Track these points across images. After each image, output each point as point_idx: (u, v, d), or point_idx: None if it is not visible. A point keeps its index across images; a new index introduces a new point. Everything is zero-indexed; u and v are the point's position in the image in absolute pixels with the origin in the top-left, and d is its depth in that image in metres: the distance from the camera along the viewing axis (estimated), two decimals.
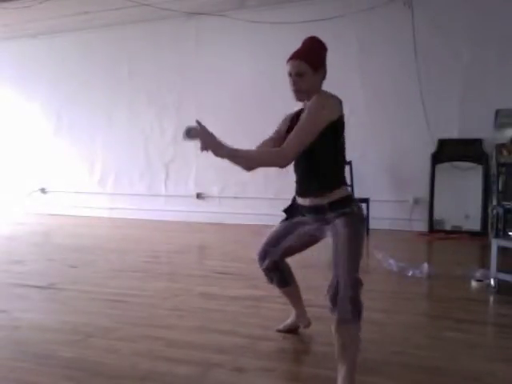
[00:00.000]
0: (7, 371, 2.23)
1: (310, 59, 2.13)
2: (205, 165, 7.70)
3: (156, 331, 2.74)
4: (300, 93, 2.16)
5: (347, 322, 1.94)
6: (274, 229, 2.46)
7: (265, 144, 2.36)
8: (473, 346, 2.54)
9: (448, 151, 6.33)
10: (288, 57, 2.16)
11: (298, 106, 2.28)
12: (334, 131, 2.09)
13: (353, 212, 2.11)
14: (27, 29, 8.30)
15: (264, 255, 2.48)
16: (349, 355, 1.95)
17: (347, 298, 1.93)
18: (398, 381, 2.13)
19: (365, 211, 6.19)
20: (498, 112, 5.99)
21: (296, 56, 2.15)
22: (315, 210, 2.18)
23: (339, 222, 2.09)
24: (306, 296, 2.72)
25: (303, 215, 2.28)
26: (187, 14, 7.38)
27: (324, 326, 2.73)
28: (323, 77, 2.20)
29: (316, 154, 2.12)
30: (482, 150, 6.17)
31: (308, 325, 2.66)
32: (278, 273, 2.53)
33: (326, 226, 2.16)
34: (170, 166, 8.03)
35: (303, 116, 2.08)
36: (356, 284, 1.97)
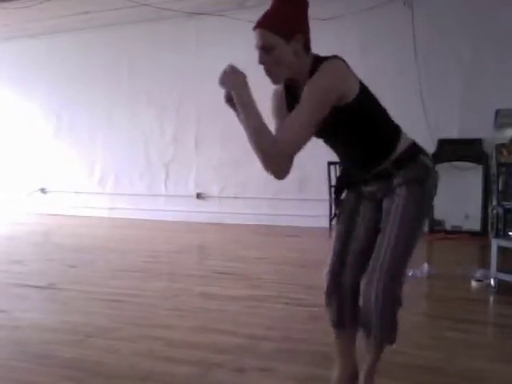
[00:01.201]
0: (7, 371, 2.23)
1: (278, 26, 1.57)
2: (205, 165, 7.70)
3: (156, 331, 2.74)
4: (273, 75, 1.63)
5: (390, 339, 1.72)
6: (334, 239, 1.86)
7: None
8: (473, 346, 2.54)
9: (448, 151, 6.32)
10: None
11: None
12: (363, 100, 1.65)
13: (419, 176, 1.72)
14: (27, 29, 8.30)
15: (335, 283, 1.82)
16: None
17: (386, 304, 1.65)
18: (398, 381, 2.13)
19: None
20: (497, 112, 5.98)
21: (258, 24, 1.61)
22: (378, 176, 1.73)
23: (400, 193, 1.68)
24: (305, 296, 2.72)
25: (361, 188, 1.82)
26: (187, 14, 7.37)
27: (323, 325, 2.73)
28: (304, 45, 1.61)
29: (355, 126, 1.67)
30: (482, 150, 6.16)
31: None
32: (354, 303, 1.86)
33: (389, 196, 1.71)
34: (169, 166, 8.03)
35: (304, 93, 1.57)
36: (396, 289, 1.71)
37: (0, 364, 2.32)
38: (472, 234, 6.00)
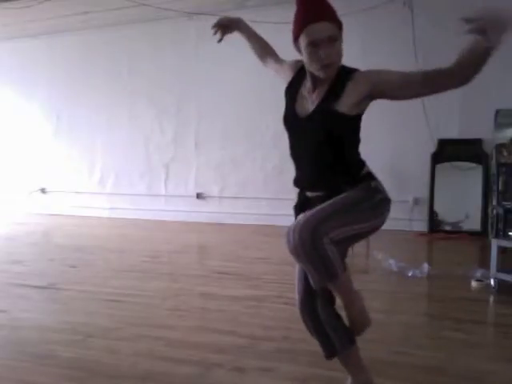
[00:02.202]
0: (7, 371, 2.23)
1: (336, 17, 1.65)
2: (205, 165, 7.71)
3: (156, 331, 2.74)
4: (331, 67, 1.66)
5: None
6: (298, 266, 1.83)
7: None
8: (473, 346, 2.54)
9: (448, 151, 6.33)
10: (302, 22, 1.63)
11: None
12: (359, 122, 1.76)
13: (369, 187, 1.75)
14: (27, 29, 8.30)
15: (308, 300, 1.82)
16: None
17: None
18: (398, 381, 2.13)
19: None
20: (497, 112, 5.99)
21: (320, 16, 1.61)
22: (331, 197, 1.71)
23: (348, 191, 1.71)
24: None
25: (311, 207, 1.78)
26: (187, 14, 7.37)
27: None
28: None
29: (337, 145, 1.72)
30: (482, 150, 6.17)
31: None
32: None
33: None
34: (169, 166, 8.03)
35: (387, 79, 1.70)
36: (318, 228, 1.51)
37: (0, 364, 2.32)
38: (472, 234, 6.01)
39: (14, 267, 4.43)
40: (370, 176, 1.81)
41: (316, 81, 1.74)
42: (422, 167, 6.45)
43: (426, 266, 4.05)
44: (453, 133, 6.30)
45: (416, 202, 6.55)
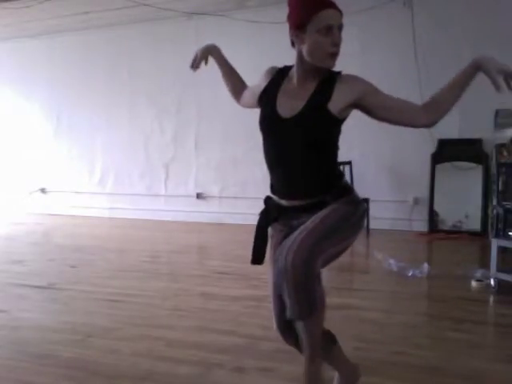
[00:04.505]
0: (7, 371, 2.23)
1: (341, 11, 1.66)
2: (205, 165, 7.70)
3: (156, 331, 2.74)
4: (336, 57, 1.65)
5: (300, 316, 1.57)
6: (271, 286, 1.79)
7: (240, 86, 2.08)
8: (473, 346, 2.54)
9: (448, 151, 6.33)
10: (318, 5, 1.61)
11: None
12: (340, 128, 1.73)
13: (352, 200, 1.73)
14: (27, 29, 8.30)
15: (284, 323, 1.77)
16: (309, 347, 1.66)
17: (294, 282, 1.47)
18: (398, 381, 2.13)
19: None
20: (497, 112, 5.99)
21: (335, 3, 1.64)
22: (312, 208, 1.68)
23: (332, 205, 1.66)
24: None
25: (290, 219, 1.76)
26: (187, 14, 7.37)
27: (324, 325, 2.72)
28: None
29: (321, 149, 1.68)
30: (482, 150, 6.16)
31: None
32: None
33: None
34: (169, 166, 8.03)
35: (376, 95, 1.66)
36: (310, 262, 1.48)
37: (0, 364, 2.32)
38: (472, 233, 6.01)
39: (14, 267, 4.43)
40: (350, 187, 1.80)
41: (305, 77, 1.68)
42: (422, 167, 6.45)
43: (425, 266, 4.05)
44: (453, 133, 6.30)
45: (416, 201, 6.55)
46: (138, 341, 2.59)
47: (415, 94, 6.43)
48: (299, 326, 1.64)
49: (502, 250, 3.74)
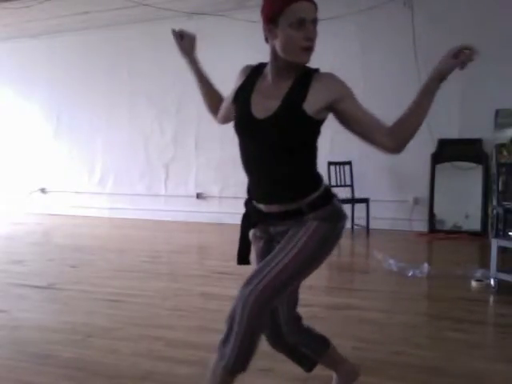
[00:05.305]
0: (7, 371, 2.23)
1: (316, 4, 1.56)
2: (205, 165, 7.70)
3: (156, 331, 2.74)
4: (311, 52, 1.55)
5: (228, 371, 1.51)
6: None
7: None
8: (473, 346, 2.54)
9: (448, 151, 6.33)
10: None
11: None
12: (319, 129, 1.63)
13: (332, 213, 1.64)
14: (27, 29, 8.30)
15: (273, 332, 1.77)
16: None
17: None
18: (398, 381, 2.13)
19: (364, 211, 6.20)
20: (497, 112, 5.99)
21: None
22: (289, 216, 1.63)
23: (310, 226, 1.59)
24: (304, 295, 2.71)
25: (270, 230, 1.71)
26: (187, 14, 7.37)
27: (324, 326, 2.73)
28: None
29: (297, 151, 1.60)
30: (482, 150, 6.16)
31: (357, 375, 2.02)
32: (310, 338, 1.88)
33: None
34: (169, 166, 8.03)
35: (352, 102, 1.58)
36: (264, 307, 1.48)
37: (0, 364, 2.32)
38: (472, 234, 6.00)
39: (14, 267, 4.43)
40: (329, 193, 1.68)
41: (280, 74, 1.60)
42: (422, 167, 6.45)
43: (426, 266, 4.05)
44: (453, 133, 6.30)
45: (416, 201, 6.55)
46: (138, 341, 2.59)
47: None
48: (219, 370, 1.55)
49: (502, 250, 3.74)
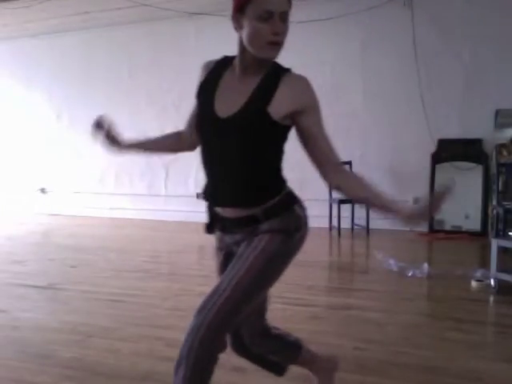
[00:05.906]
0: (7, 371, 2.23)
1: None
2: None
3: (156, 331, 2.74)
4: (279, 47, 1.44)
5: None
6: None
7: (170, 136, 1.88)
8: (473, 346, 2.54)
9: (448, 151, 6.33)
10: None
11: None
12: (286, 134, 1.53)
13: (289, 222, 1.53)
14: (27, 29, 8.30)
15: (236, 341, 1.74)
16: None
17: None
18: (398, 381, 2.13)
19: (364, 211, 6.19)
20: (497, 112, 5.99)
21: None
22: (244, 222, 1.54)
23: (261, 241, 1.50)
24: (304, 295, 2.71)
25: (226, 240, 1.66)
26: (187, 14, 7.37)
27: (323, 326, 2.73)
28: None
29: (259, 154, 1.50)
30: (482, 150, 6.17)
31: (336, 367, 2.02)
32: (280, 344, 1.84)
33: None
34: (169, 166, 8.03)
35: (314, 118, 1.48)
36: (216, 336, 1.41)
37: (0, 364, 2.32)
38: (472, 234, 6.01)
39: (14, 267, 4.43)
40: (290, 199, 1.58)
41: (247, 68, 1.50)
42: (422, 167, 6.45)
43: (425, 266, 4.05)
44: (453, 133, 6.30)
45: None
46: (138, 341, 2.60)
47: (415, 94, 6.44)
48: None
49: (502, 250, 3.74)
